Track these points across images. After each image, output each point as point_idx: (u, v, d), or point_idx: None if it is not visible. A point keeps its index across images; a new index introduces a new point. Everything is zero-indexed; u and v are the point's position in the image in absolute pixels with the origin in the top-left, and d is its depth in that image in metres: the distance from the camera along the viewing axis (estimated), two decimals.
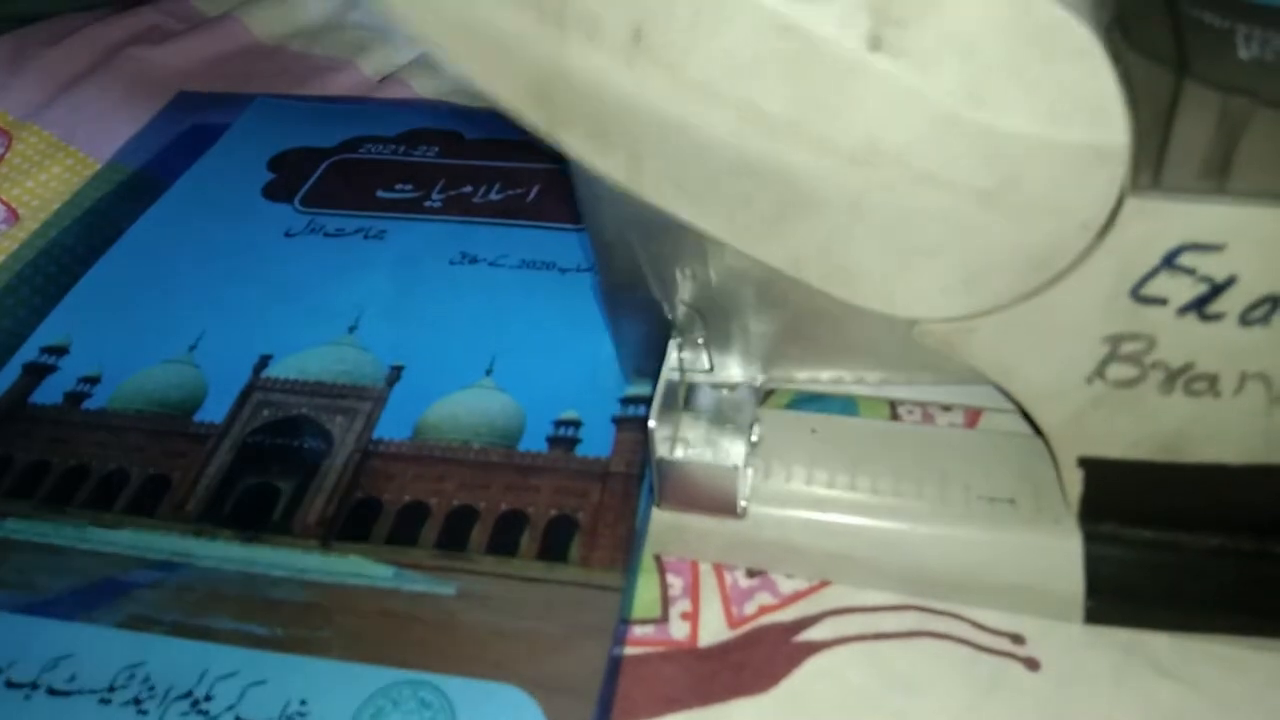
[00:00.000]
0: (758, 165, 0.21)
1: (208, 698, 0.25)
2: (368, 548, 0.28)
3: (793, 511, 0.27)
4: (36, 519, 0.30)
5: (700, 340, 0.28)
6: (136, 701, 0.25)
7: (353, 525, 0.29)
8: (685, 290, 0.27)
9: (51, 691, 0.26)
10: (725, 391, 0.29)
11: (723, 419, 0.28)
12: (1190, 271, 0.21)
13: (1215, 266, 0.21)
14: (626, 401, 0.31)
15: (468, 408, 0.32)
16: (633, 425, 0.30)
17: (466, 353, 0.33)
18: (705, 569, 0.29)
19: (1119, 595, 0.26)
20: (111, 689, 0.25)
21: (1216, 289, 0.21)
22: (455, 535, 0.29)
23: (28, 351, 0.35)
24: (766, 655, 0.27)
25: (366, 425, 0.31)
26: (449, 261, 0.37)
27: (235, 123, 0.46)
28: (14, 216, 0.42)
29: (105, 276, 0.38)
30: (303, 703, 0.25)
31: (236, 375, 0.33)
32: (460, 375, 0.33)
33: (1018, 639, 0.26)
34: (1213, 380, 0.23)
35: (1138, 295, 0.21)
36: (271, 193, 0.41)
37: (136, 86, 0.48)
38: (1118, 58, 0.19)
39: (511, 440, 0.31)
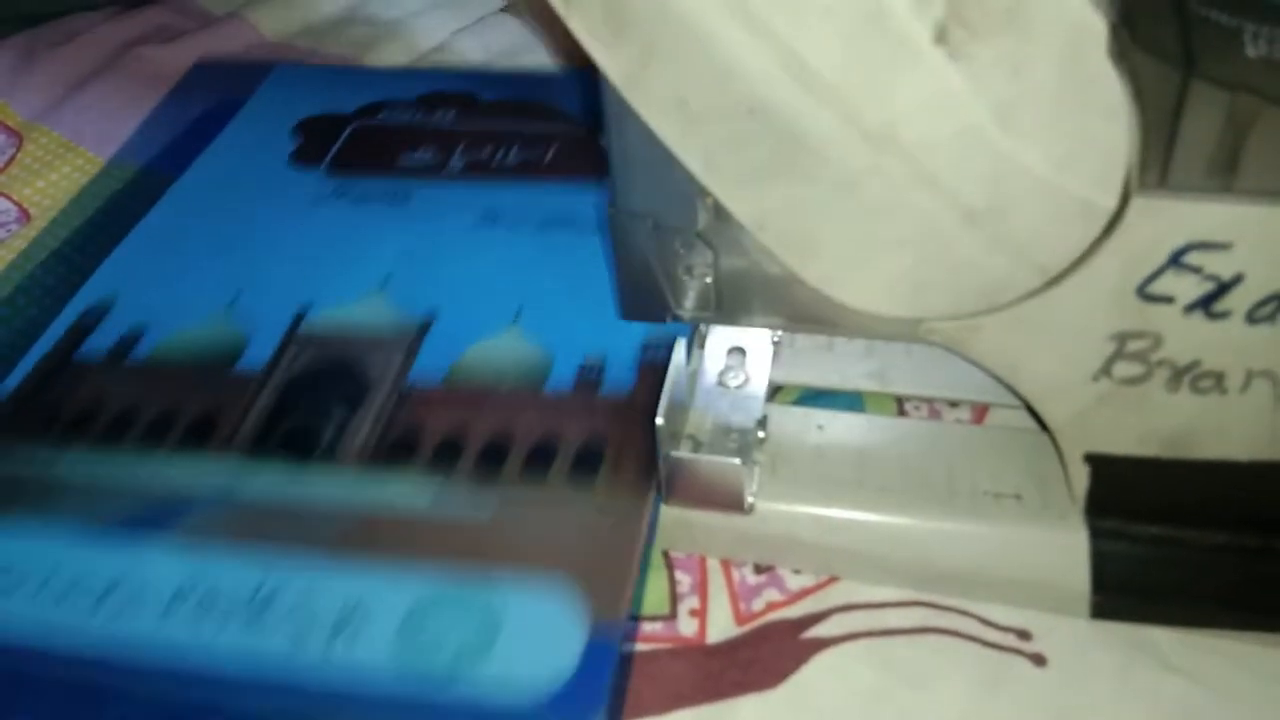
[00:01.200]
0: (776, 115, 0.20)
1: (267, 602, 0.26)
2: (408, 473, 0.30)
3: (800, 507, 0.28)
4: (90, 455, 0.31)
5: (708, 279, 0.27)
6: (200, 606, 0.27)
7: (392, 456, 0.30)
8: (704, 222, 0.26)
9: (116, 607, 0.27)
10: (733, 389, 0.29)
11: (730, 416, 0.28)
12: (1197, 270, 0.21)
13: (1222, 265, 0.21)
14: (646, 347, 0.32)
15: (497, 353, 0.33)
16: (652, 369, 0.31)
17: (493, 304, 0.35)
18: (713, 565, 0.29)
19: (1125, 590, 0.26)
20: (173, 601, 0.27)
21: (1223, 287, 0.21)
22: (489, 464, 0.30)
23: (69, 314, 0.36)
24: (774, 651, 0.27)
25: (401, 370, 0.33)
26: (473, 222, 0.38)
27: (258, 90, 0.47)
28: (25, 217, 0.42)
29: (142, 242, 0.39)
30: (356, 605, 0.26)
31: (274, 329, 0.35)
32: (488, 325, 0.34)
33: (1024, 635, 0.27)
34: (1219, 378, 0.23)
35: (1144, 293, 0.22)
36: (298, 160, 0.42)
37: (145, 86, 0.48)
38: (1124, 55, 0.19)
39: (539, 382, 0.32)
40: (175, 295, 0.36)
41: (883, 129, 0.20)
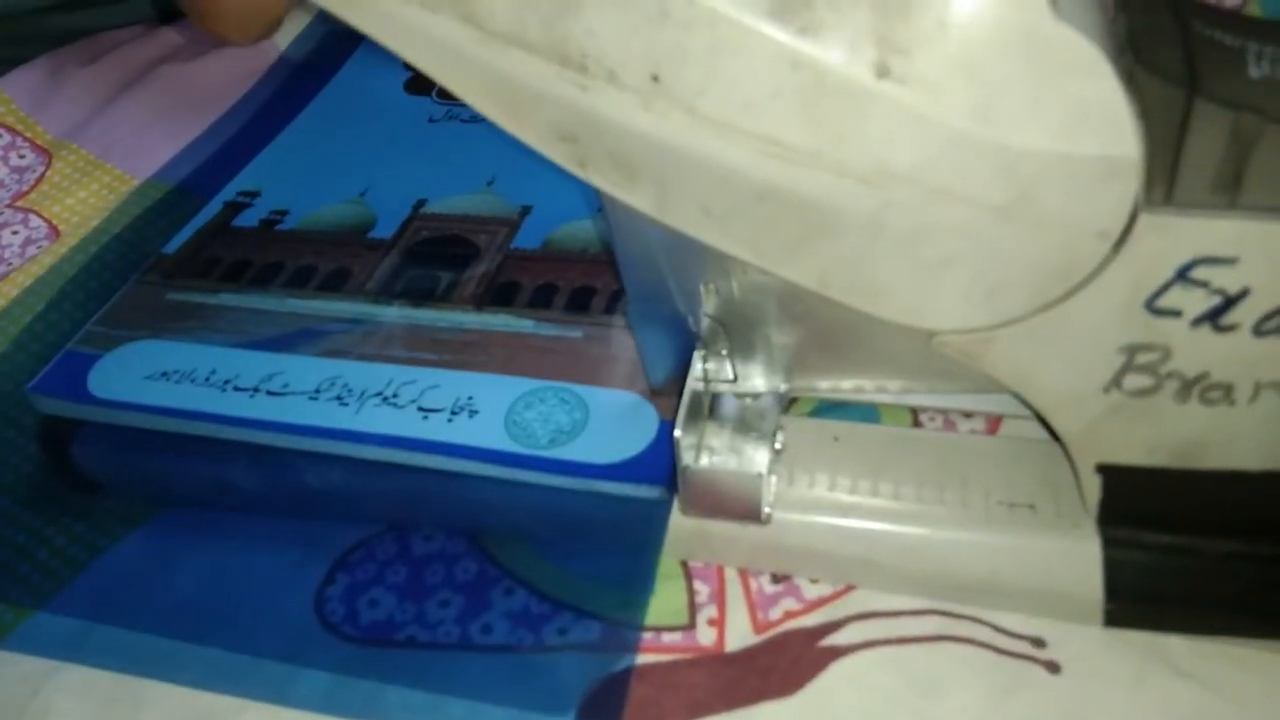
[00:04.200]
0: (778, 191, 0.21)
1: (395, 395, 0.32)
2: (512, 309, 0.35)
3: (816, 517, 0.28)
4: (244, 292, 0.37)
5: (724, 351, 0.29)
6: (339, 399, 0.32)
7: (499, 296, 0.36)
8: (710, 303, 0.27)
9: (270, 393, 0.33)
10: (749, 400, 0.30)
11: (746, 427, 0.29)
12: (1203, 284, 0.21)
13: (1228, 279, 0.21)
14: None
15: (585, 230, 0.39)
16: None
17: (581, 199, 0.40)
18: (731, 575, 0.29)
19: (1138, 599, 0.26)
20: (317, 391, 0.33)
21: (1230, 301, 0.21)
22: (579, 303, 0.35)
23: (227, 193, 0.43)
24: (792, 660, 0.27)
25: (505, 240, 0.39)
26: None
27: None
28: (55, 233, 0.43)
29: (278, 151, 0.46)
30: (470, 398, 0.32)
31: (399, 212, 0.41)
32: (577, 212, 0.40)
33: (1039, 642, 0.27)
34: (1228, 389, 0.23)
35: (1152, 307, 0.22)
36: (410, 88, 0.49)
37: (169, 104, 0.49)
38: (1129, 77, 0.20)
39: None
40: (312, 189, 0.43)
41: (874, 169, 0.20)
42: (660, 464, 0.29)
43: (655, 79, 0.20)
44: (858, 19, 0.19)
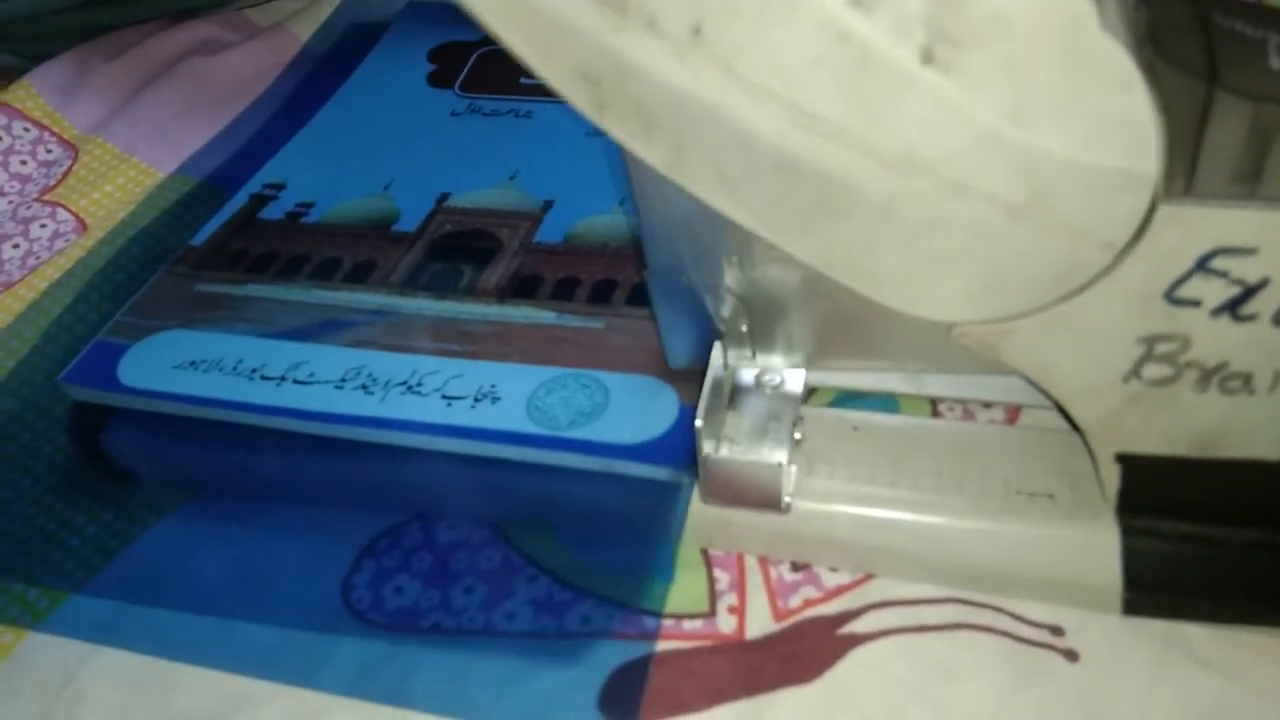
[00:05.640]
0: (799, 164, 0.21)
1: (419, 384, 0.33)
2: (535, 302, 0.36)
3: (835, 507, 0.28)
4: (271, 284, 0.38)
5: (744, 328, 0.29)
6: (364, 387, 0.33)
7: (522, 290, 0.37)
8: (731, 278, 0.27)
9: (296, 382, 0.33)
10: (769, 390, 0.30)
11: (766, 417, 0.29)
12: (1223, 274, 0.21)
13: (1248, 269, 0.21)
14: None
15: (606, 224, 0.40)
16: None
17: (603, 193, 0.41)
18: (751, 563, 0.29)
19: (1157, 587, 0.26)
20: (343, 380, 0.33)
21: (1249, 291, 0.22)
22: (601, 295, 0.36)
23: (252, 186, 0.44)
24: (812, 647, 0.27)
25: (528, 234, 0.40)
26: (585, 134, 0.44)
27: (394, 23, 0.54)
28: (82, 227, 0.43)
29: (304, 144, 0.46)
30: (493, 386, 0.32)
31: (422, 205, 0.42)
32: (599, 206, 0.40)
33: (1057, 631, 0.27)
34: (1247, 379, 0.23)
35: (1172, 297, 0.22)
36: (433, 82, 0.50)
37: (192, 98, 0.50)
38: (1150, 69, 0.20)
39: (639, 246, 0.36)
40: (337, 182, 0.43)
41: (900, 154, 0.20)
42: (680, 446, 0.30)
43: (697, 31, 0.19)
44: (913, 1, 0.19)
